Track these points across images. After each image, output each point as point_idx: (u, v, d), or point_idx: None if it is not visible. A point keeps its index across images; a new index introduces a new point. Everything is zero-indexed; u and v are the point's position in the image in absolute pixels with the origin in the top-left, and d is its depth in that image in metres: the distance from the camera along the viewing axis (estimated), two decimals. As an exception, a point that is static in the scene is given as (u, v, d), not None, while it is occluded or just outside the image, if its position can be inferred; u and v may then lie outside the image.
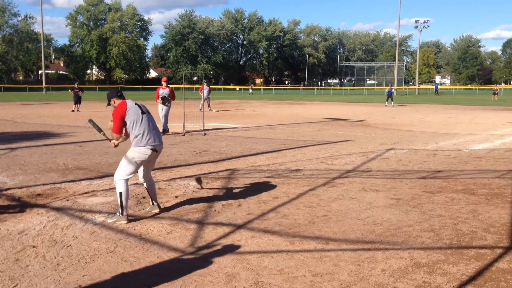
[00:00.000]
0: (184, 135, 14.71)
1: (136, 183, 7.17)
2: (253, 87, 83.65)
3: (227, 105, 35.65)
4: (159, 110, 15.60)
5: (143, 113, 5.67)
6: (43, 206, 6.29)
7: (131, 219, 5.70)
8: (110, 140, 5.85)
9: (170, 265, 4.34)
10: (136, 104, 5.74)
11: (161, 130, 15.56)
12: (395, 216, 5.88)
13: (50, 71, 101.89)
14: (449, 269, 4.21)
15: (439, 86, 75.42)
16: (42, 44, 69.51)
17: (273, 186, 7.53)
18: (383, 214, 5.97)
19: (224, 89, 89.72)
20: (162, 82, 15.97)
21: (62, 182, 7.79)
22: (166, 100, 15.43)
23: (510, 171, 8.86)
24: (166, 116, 15.49)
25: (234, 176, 8.40)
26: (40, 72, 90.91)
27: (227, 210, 6.20)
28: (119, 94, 5.82)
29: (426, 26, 73.98)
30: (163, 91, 15.62)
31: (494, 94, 47.21)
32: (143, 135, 5.58)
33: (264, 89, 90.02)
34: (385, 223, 5.59)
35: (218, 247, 4.80)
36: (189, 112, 18.86)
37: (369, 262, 4.40)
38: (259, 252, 4.68)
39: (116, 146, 5.87)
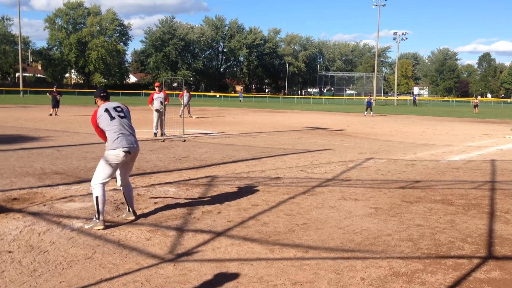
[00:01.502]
0: (163, 141, 14.62)
1: (114, 189, 7.09)
2: (243, 95, 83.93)
3: (207, 112, 35.58)
4: (154, 116, 16.05)
5: (112, 118, 5.70)
6: (19, 210, 6.16)
7: (109, 225, 5.63)
8: None
9: (149, 272, 4.29)
10: (106, 109, 5.75)
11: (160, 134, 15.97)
12: (374, 225, 5.92)
13: (27, 74, 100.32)
14: (427, 279, 4.24)
15: (417, 98, 76.29)
16: (19, 46, 68.31)
17: (253, 194, 7.52)
18: (362, 223, 6.01)
19: (204, 95, 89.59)
20: (155, 87, 16.38)
21: (39, 186, 7.65)
22: (163, 105, 15.93)
23: (486, 182, 9.01)
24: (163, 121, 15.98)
25: (214, 183, 8.37)
26: (17, 74, 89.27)
27: (206, 217, 6.16)
28: (102, 94, 5.98)
29: (405, 38, 75.15)
30: (158, 95, 16.03)
31: (475, 107, 47.48)
32: (115, 138, 5.62)
33: (244, 96, 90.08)
34: (364, 232, 5.63)
35: (198, 255, 4.77)
36: (169, 118, 18.77)
37: (349, 270, 4.42)
38: (239, 259, 4.66)
39: None
